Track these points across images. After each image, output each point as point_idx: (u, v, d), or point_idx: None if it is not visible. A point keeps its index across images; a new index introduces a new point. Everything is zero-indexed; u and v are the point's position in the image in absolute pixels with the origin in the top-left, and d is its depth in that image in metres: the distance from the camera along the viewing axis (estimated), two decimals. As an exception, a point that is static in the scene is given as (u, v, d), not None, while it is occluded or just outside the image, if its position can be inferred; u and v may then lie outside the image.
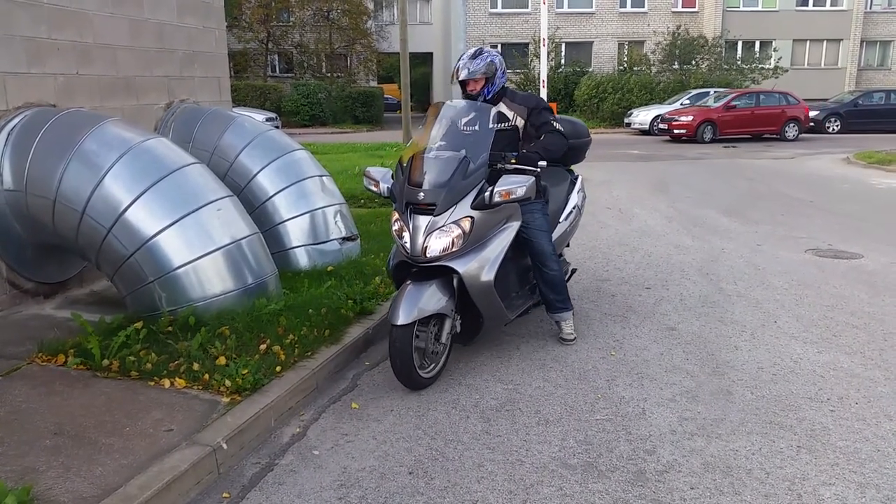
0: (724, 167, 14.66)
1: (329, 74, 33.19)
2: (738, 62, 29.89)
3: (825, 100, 26.89)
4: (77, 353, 3.73)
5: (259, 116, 19.90)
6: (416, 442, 3.26)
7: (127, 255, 4.11)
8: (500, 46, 32.73)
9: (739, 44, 31.92)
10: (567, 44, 31.93)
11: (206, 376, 3.50)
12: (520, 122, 4.32)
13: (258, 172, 5.45)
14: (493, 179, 3.90)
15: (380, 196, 4.12)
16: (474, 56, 4.25)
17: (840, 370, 4.06)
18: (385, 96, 37.13)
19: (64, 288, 5.13)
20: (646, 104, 26.26)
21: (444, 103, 4.29)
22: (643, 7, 33.14)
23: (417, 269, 3.88)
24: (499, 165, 4.02)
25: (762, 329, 4.78)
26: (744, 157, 16.57)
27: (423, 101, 47.61)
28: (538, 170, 4.09)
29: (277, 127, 21.08)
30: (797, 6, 33.21)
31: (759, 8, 33.24)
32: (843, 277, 6.05)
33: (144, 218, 4.11)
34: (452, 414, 3.55)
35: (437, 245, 3.73)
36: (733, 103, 21.22)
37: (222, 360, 3.61)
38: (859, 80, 33.56)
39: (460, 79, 4.25)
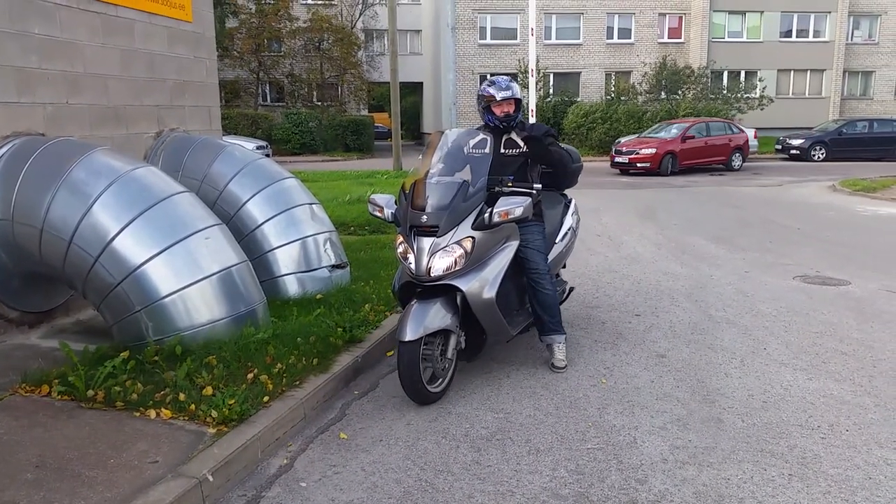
0: (711, 195, 14.78)
1: (320, 103, 33.44)
2: (724, 92, 30.34)
3: (810, 128, 27.31)
4: (61, 384, 3.67)
5: (249, 145, 19.99)
6: (406, 473, 3.22)
7: (114, 283, 4.08)
8: (488, 76, 33.11)
9: (725, 73, 32.42)
10: (555, 74, 32.34)
11: (193, 406, 3.45)
12: (527, 149, 4.53)
13: (247, 201, 5.44)
14: (491, 202, 4.07)
15: (384, 221, 4.28)
16: (509, 82, 4.54)
17: (830, 397, 4.06)
18: (376, 125, 37.42)
19: (49, 317, 5.07)
20: (633, 133, 26.53)
21: (444, 131, 4.50)
22: (630, 38, 33.66)
23: (422, 289, 4.04)
24: (496, 189, 4.19)
25: (752, 356, 4.78)
26: (731, 185, 16.73)
27: (413, 129, 48.00)
28: (534, 191, 4.34)
29: (268, 155, 21.17)
30: (781, 37, 33.83)
31: (744, 39, 33.83)
32: (831, 304, 6.07)
33: (132, 246, 4.08)
34: (442, 444, 3.51)
35: (440, 265, 3.91)
36: (690, 133, 20.70)
37: (209, 390, 3.57)
38: (843, 109, 34.10)
39: (502, 98, 4.45)
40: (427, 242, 3.92)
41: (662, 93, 29.82)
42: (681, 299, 6.26)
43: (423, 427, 3.71)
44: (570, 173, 5.02)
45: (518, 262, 4.37)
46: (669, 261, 7.97)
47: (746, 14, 33.70)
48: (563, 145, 4.84)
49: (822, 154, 24.53)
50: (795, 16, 33.72)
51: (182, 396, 3.52)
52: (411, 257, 3.97)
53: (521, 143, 4.51)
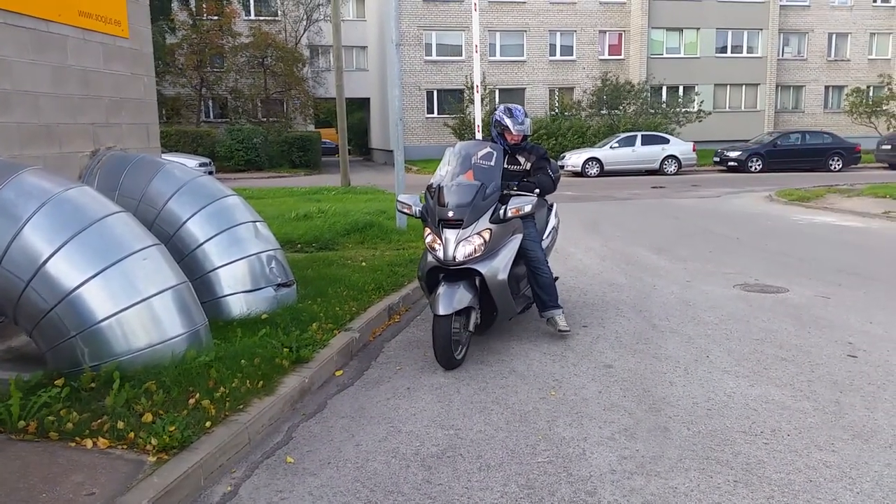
0: (652, 207, 15.12)
1: (265, 119, 33.00)
2: (664, 106, 31.18)
3: (747, 141, 28.25)
4: (-11, 415, 3.50)
5: (191, 162, 19.59)
6: (355, 496, 3.15)
7: (47, 308, 3.92)
8: (435, 92, 33.34)
9: (664, 89, 33.32)
10: (500, 90, 32.70)
11: (132, 434, 3.32)
12: (528, 166, 5.57)
13: (188, 220, 5.30)
14: (502, 202, 4.95)
15: (413, 217, 5.12)
16: (524, 116, 5.52)
17: (772, 403, 4.15)
18: (323, 140, 37.15)
19: (-22, 345, 4.83)
20: (577, 147, 27.05)
21: (457, 143, 5.45)
22: (572, 55, 34.36)
23: (446, 274, 4.84)
24: (505, 192, 5.14)
25: (695, 364, 4.87)
26: (671, 197, 17.14)
27: (360, 145, 47.79)
28: (534, 194, 5.24)
29: (211, 172, 20.79)
30: (717, 53, 35.00)
31: (682, 55, 34.88)
32: (770, 311, 6.25)
33: (66, 270, 3.93)
34: (392, 464, 3.46)
35: (463, 251, 4.73)
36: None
37: (149, 417, 3.44)
38: (777, 121, 35.45)
39: (516, 132, 5.44)
40: (453, 233, 4.74)
41: (604, 108, 30.46)
42: (626, 310, 6.36)
43: (373, 447, 3.65)
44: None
45: (519, 253, 5.15)
46: (614, 272, 8.09)
47: (683, 31, 34.79)
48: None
49: (759, 165, 25.40)
50: (730, 32, 34.97)
51: (120, 424, 3.39)
52: (438, 246, 4.78)
53: (523, 161, 5.56)
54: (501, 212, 4.84)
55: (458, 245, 4.72)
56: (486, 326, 5.19)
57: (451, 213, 4.77)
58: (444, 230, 4.78)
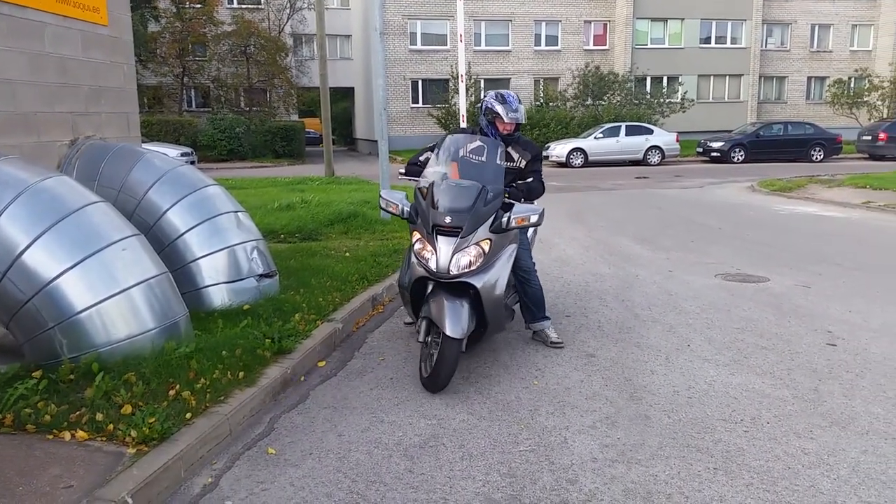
0: (635, 197, 15.19)
1: (248, 109, 32.73)
2: (648, 96, 31.27)
3: (729, 131, 28.41)
4: (-36, 409, 3.45)
5: (173, 152, 19.42)
6: (336, 486, 3.15)
7: (24, 299, 3.87)
8: (420, 82, 33.21)
9: (648, 79, 33.41)
10: (486, 80, 32.62)
11: (111, 426, 3.29)
12: (522, 164, 4.99)
13: (168, 209, 5.25)
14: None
15: (399, 217, 4.50)
16: (518, 103, 4.91)
17: (752, 391, 4.19)
18: (307, 130, 36.92)
19: (-46, 337, 4.77)
20: (561, 138, 27.09)
21: (448, 135, 4.84)
22: (557, 45, 34.34)
23: (437, 284, 4.27)
24: None
25: (676, 353, 4.90)
26: (654, 188, 17.22)
27: (345, 134, 47.57)
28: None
29: (193, 162, 20.60)
30: (700, 44, 35.13)
31: (666, 45, 34.97)
32: (751, 300, 6.30)
33: (43, 260, 3.88)
34: (374, 454, 3.46)
35: (461, 263, 4.16)
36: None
37: (128, 409, 3.41)
38: (759, 112, 35.69)
39: (509, 120, 4.82)
40: (450, 242, 4.16)
41: (589, 98, 30.50)
42: (609, 299, 6.39)
43: (355, 438, 3.64)
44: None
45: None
46: (597, 262, 8.12)
47: (668, 21, 34.86)
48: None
49: (742, 156, 25.58)
50: (714, 23, 35.11)
51: (99, 416, 3.35)
52: (430, 254, 4.19)
53: (517, 158, 4.96)
54: (504, 220, 4.26)
55: (454, 256, 4.13)
56: (472, 343, 4.54)
57: (448, 219, 4.17)
58: (438, 237, 4.18)
